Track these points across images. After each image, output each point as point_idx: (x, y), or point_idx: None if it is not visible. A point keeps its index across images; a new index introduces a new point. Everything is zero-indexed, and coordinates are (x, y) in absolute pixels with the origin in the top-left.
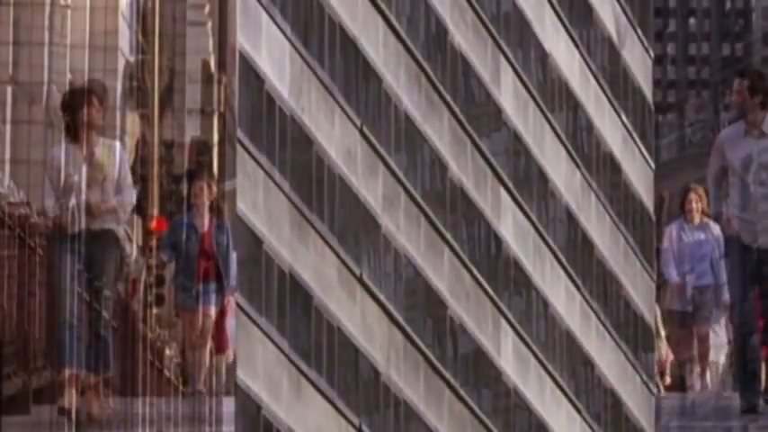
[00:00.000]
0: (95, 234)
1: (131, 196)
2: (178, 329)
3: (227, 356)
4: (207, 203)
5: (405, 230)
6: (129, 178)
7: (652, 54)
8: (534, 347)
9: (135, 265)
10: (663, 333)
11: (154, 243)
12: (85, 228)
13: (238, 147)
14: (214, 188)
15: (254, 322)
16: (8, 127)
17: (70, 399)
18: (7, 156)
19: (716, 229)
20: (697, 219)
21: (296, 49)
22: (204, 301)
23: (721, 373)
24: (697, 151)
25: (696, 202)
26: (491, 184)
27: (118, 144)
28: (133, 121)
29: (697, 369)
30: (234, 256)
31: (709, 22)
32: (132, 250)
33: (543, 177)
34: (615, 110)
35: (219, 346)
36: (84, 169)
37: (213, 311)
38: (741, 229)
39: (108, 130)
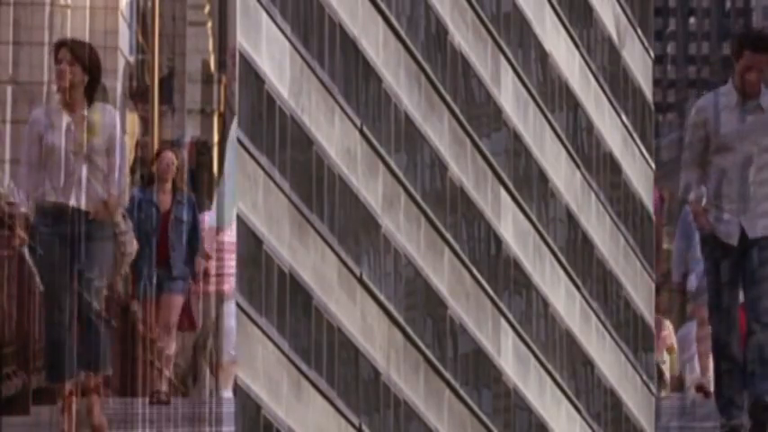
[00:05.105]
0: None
1: (121, 177)
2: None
3: (197, 332)
4: (170, 176)
5: (405, 230)
6: (122, 153)
7: (652, 54)
8: (534, 347)
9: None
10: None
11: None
12: (74, 208)
13: (238, 147)
14: (184, 160)
15: (254, 322)
16: (8, 127)
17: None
18: (7, 156)
19: None
20: None
21: (296, 49)
22: (167, 290)
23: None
24: None
25: None
26: (491, 184)
27: (109, 108)
28: (133, 122)
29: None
30: (208, 232)
31: (709, 21)
32: (130, 239)
33: (543, 177)
34: (615, 110)
35: (187, 323)
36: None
37: (175, 303)
38: (722, 221)
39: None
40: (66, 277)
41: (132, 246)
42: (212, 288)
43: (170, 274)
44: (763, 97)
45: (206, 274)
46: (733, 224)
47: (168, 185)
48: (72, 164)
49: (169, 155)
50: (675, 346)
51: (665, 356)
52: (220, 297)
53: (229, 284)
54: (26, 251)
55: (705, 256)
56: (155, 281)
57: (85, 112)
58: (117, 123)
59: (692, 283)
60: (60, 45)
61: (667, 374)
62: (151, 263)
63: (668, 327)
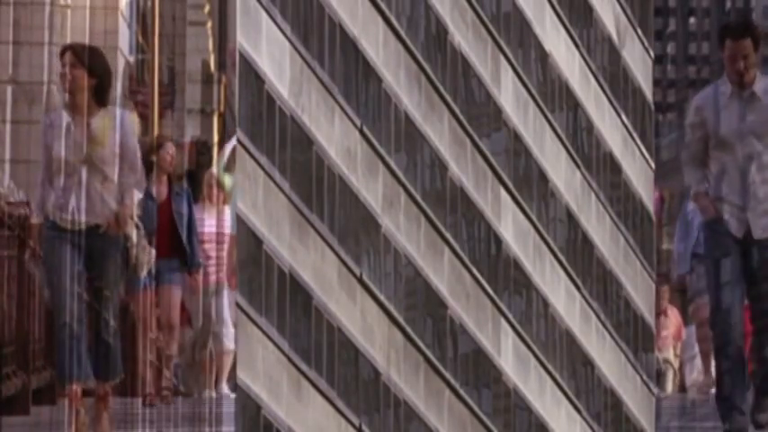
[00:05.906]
0: (95, 227)
1: (136, 182)
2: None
3: (193, 329)
4: (170, 168)
5: (405, 230)
6: (135, 160)
7: (652, 54)
8: (534, 347)
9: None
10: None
11: (154, 242)
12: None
13: (238, 147)
14: (184, 154)
15: (254, 322)
16: (8, 127)
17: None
18: (7, 156)
19: None
20: None
21: (296, 49)
22: (165, 281)
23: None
24: None
25: None
26: (491, 184)
27: (119, 112)
28: (132, 122)
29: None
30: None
31: (709, 21)
32: (140, 245)
33: (543, 177)
34: (615, 110)
35: (184, 318)
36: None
37: (176, 294)
38: (731, 215)
39: None
40: (74, 287)
41: (146, 255)
42: (212, 278)
43: (169, 267)
44: (758, 84)
45: (204, 269)
46: (740, 219)
47: (165, 177)
48: (77, 173)
49: (172, 146)
50: (682, 335)
51: (669, 348)
52: (219, 288)
53: (225, 274)
54: (32, 263)
55: (707, 253)
56: (153, 274)
57: (92, 118)
58: (132, 128)
59: (693, 282)
60: (64, 49)
61: (674, 360)
62: (150, 256)
63: (673, 313)
